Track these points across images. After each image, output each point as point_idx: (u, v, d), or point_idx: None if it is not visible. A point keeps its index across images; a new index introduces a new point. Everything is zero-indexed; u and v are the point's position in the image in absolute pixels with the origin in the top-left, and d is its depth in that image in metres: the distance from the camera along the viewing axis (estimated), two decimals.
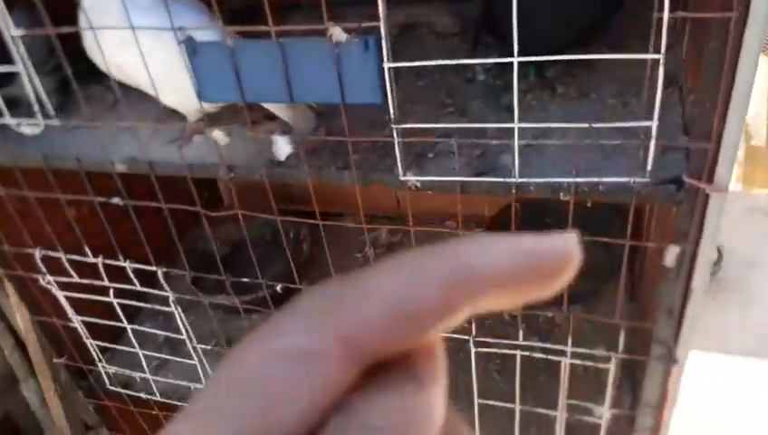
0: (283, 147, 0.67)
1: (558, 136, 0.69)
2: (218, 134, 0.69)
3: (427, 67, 0.92)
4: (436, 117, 0.78)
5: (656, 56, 0.49)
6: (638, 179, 0.57)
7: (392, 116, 0.59)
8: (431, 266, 0.17)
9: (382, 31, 0.56)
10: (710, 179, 0.56)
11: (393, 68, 0.61)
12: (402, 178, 0.63)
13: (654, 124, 0.53)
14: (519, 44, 0.79)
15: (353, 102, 0.63)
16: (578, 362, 0.76)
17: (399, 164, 0.62)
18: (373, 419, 0.16)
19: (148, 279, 0.90)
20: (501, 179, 0.63)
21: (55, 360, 1.13)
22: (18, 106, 0.85)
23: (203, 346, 0.98)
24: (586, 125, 0.58)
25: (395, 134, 0.60)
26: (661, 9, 0.48)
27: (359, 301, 0.17)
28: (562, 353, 0.74)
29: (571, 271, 0.18)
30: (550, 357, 0.77)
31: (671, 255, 0.61)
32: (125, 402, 1.14)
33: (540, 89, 0.81)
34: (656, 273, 0.71)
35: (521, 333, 0.75)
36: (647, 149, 0.55)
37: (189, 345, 0.96)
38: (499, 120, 0.75)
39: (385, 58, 0.58)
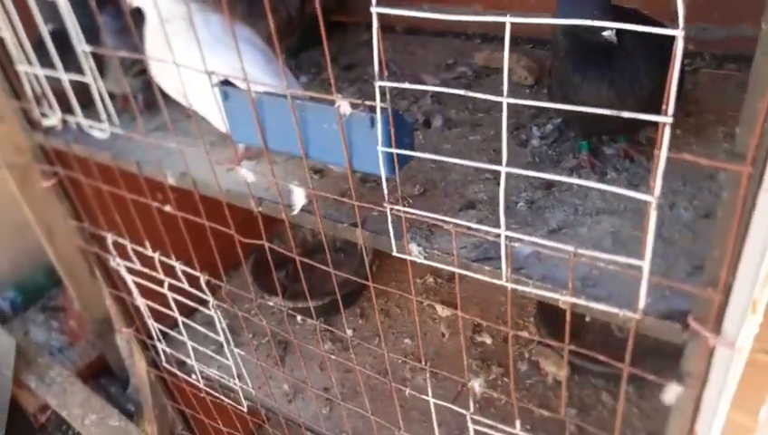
0: (298, 197, 0.68)
1: (578, 228, 0.64)
2: (246, 172, 0.71)
3: (484, 119, 0.89)
4: (468, 183, 0.75)
5: (649, 198, 0.44)
6: (627, 313, 0.51)
7: (386, 197, 0.57)
8: None
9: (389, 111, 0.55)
10: (717, 330, 0.49)
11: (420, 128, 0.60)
12: (395, 253, 0.62)
13: (645, 265, 0.47)
14: (575, 117, 0.74)
15: (361, 170, 0.62)
16: None
17: (393, 240, 0.61)
18: None
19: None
20: (494, 268, 0.59)
21: (124, 329, 1.23)
22: (114, 102, 0.93)
23: (239, 351, 1.03)
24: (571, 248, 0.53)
25: (388, 213, 0.58)
26: (658, 147, 0.42)
27: None
28: None
29: None
30: None
31: (671, 393, 0.55)
32: (178, 378, 1.23)
33: (590, 168, 0.75)
34: None
35: (518, 423, 0.71)
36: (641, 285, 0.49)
37: (226, 350, 1.01)
38: (531, 200, 0.71)
39: (392, 138, 0.56)
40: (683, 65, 0.95)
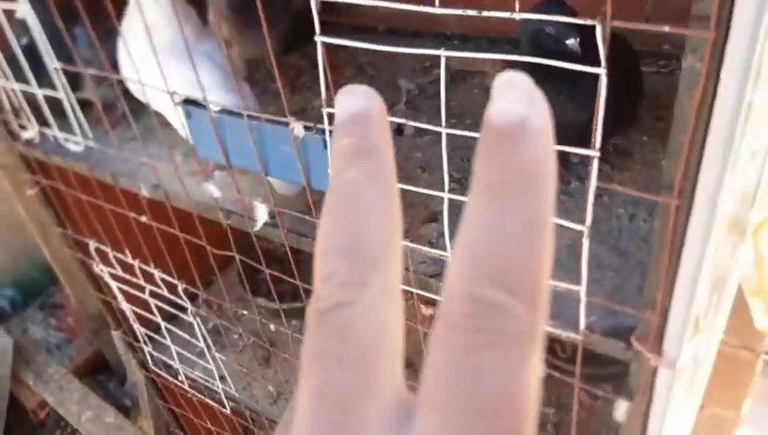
0: (261, 214, 0.69)
1: None
2: (212, 188, 0.72)
3: (456, 127, 0.89)
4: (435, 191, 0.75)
5: (580, 227, 0.45)
6: (569, 334, 0.52)
7: None
8: None
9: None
10: (659, 350, 0.50)
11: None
12: None
13: (582, 289, 0.48)
14: None
15: (319, 189, 0.63)
16: None
17: None
18: None
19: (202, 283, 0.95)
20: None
21: (113, 331, 1.25)
22: (90, 110, 0.94)
23: (220, 356, 1.04)
24: None
25: None
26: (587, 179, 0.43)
27: None
28: None
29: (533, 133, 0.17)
30: None
31: (620, 409, 0.56)
32: (166, 379, 1.25)
33: (560, 179, 0.75)
34: None
35: None
36: (580, 307, 0.50)
37: (207, 354, 1.03)
38: None
39: None
40: (659, 67, 0.96)
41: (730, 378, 1.12)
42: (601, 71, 0.38)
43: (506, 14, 0.39)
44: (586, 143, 0.77)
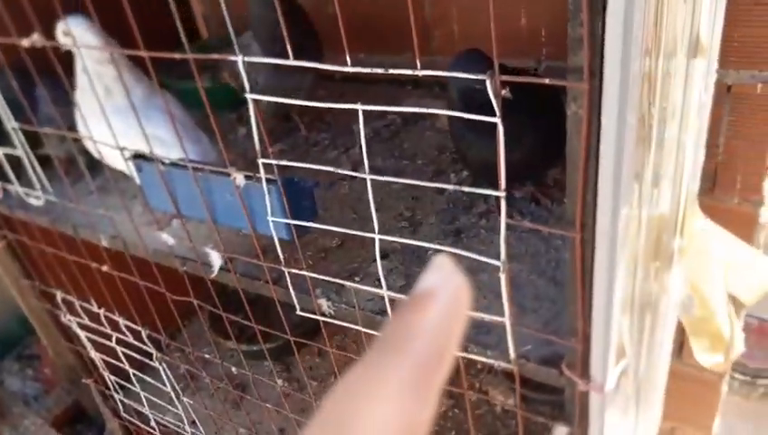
0: (215, 260, 0.71)
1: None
2: (166, 237, 0.74)
3: (408, 167, 0.93)
4: (385, 232, 0.78)
5: (497, 262, 0.47)
6: (501, 363, 0.54)
7: (282, 260, 0.61)
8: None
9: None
10: (587, 375, 0.52)
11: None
12: (299, 311, 0.65)
13: (507, 321, 0.50)
14: (477, 164, 0.78)
15: (263, 233, 0.65)
16: None
17: (294, 299, 0.64)
18: None
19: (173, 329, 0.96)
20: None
21: (83, 380, 1.25)
22: (51, 166, 0.96)
23: (188, 400, 1.05)
24: None
25: (286, 275, 0.62)
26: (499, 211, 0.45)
27: None
28: None
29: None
30: None
31: (559, 434, 0.58)
32: (139, 427, 1.25)
33: (498, 213, 0.78)
34: None
35: None
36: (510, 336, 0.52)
37: (175, 400, 1.04)
38: (440, 248, 0.74)
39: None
40: None
41: (697, 399, 1.14)
42: (497, 120, 0.41)
43: (409, 72, 0.42)
44: (518, 179, 0.80)
